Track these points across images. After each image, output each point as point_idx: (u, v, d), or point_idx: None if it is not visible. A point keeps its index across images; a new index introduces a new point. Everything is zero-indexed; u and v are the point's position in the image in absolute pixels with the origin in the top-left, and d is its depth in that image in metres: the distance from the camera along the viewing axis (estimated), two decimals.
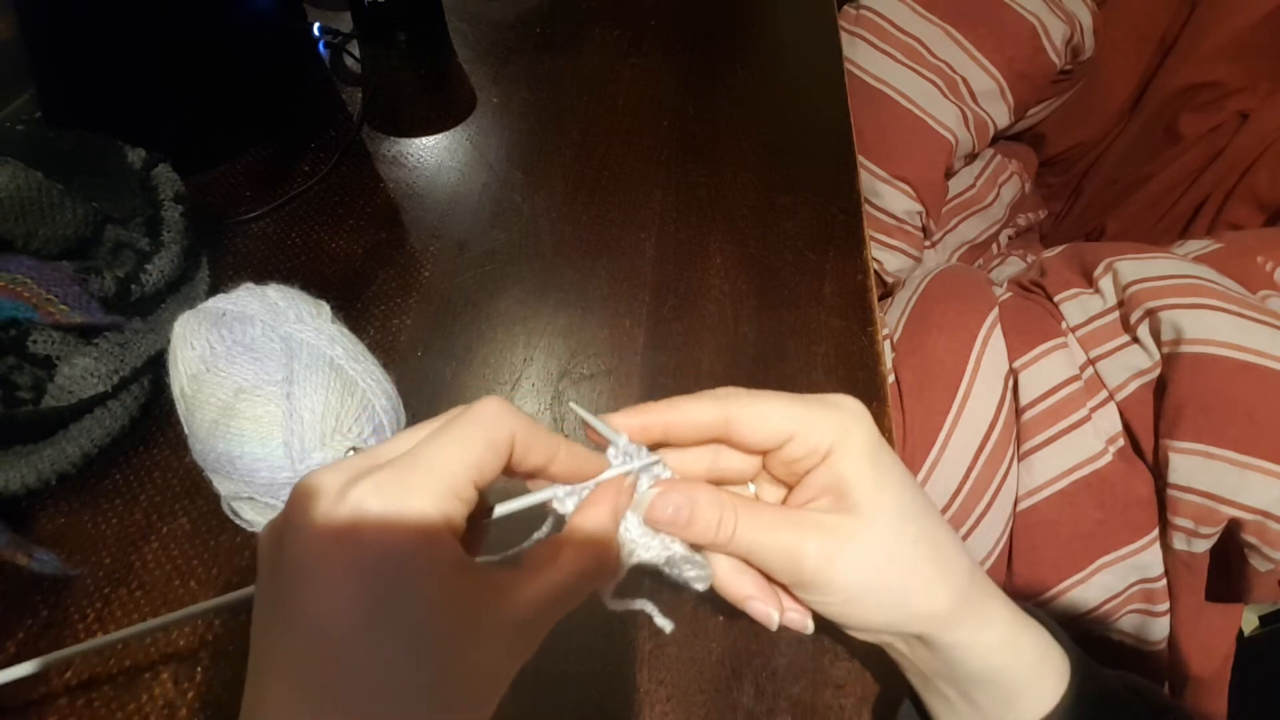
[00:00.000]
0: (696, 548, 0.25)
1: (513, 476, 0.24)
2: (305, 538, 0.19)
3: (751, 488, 0.28)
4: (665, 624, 0.25)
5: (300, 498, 0.19)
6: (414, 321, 0.46)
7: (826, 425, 0.25)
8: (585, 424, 0.25)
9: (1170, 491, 0.54)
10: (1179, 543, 0.55)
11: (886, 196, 0.84)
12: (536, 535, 0.25)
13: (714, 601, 0.27)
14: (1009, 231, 1.01)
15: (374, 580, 0.18)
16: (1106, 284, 0.63)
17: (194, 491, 0.37)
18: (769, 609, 0.25)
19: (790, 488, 0.27)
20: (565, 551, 0.22)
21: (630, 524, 0.24)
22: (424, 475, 0.19)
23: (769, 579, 0.26)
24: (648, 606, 0.26)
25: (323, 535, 0.18)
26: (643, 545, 0.24)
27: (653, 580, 0.26)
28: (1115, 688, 0.27)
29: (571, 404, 0.26)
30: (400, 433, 0.22)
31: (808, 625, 0.26)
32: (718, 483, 0.27)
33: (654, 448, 0.25)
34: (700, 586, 0.26)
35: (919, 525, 0.24)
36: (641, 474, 0.25)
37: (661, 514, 0.24)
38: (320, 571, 0.18)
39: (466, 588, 0.19)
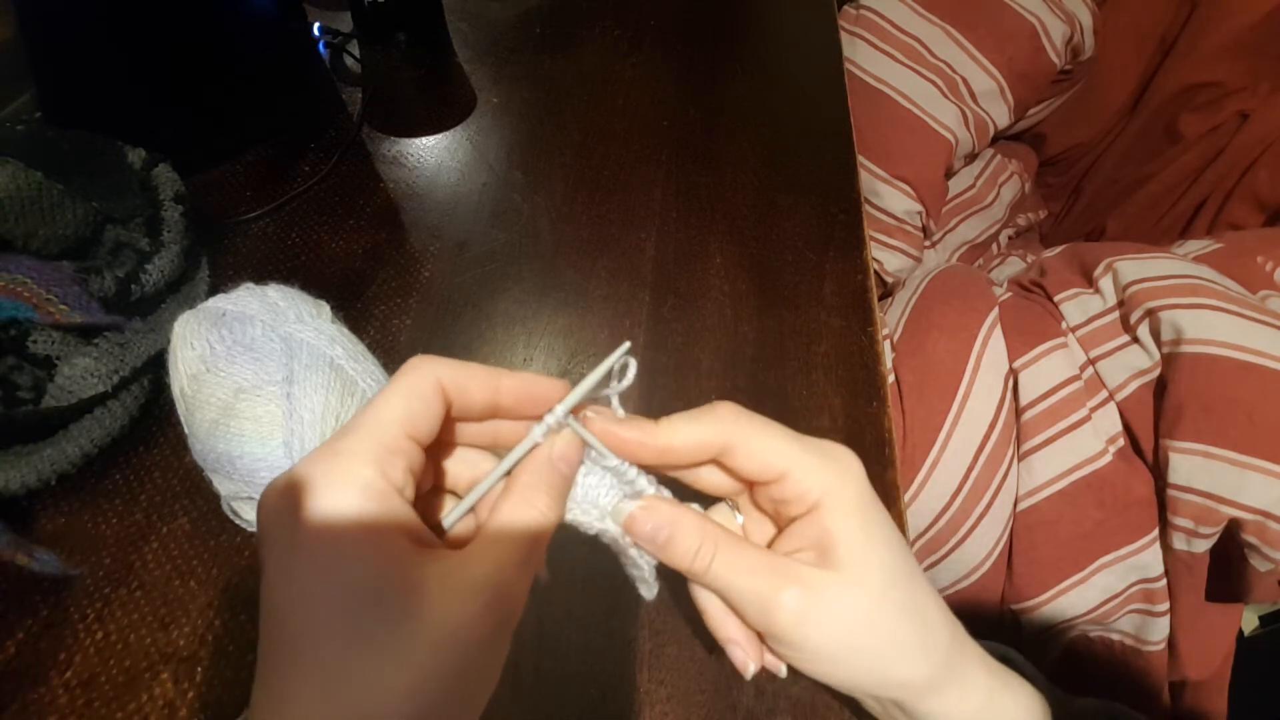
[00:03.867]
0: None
1: (472, 420, 0.23)
2: (259, 524, 0.20)
3: (739, 518, 0.28)
4: (648, 590, 0.25)
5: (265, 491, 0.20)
6: (414, 321, 0.46)
7: (819, 475, 0.24)
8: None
9: (1170, 491, 0.54)
10: (1179, 543, 0.55)
11: (886, 196, 0.84)
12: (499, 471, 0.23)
13: None
14: (1009, 231, 1.01)
15: (313, 551, 0.18)
16: (1106, 284, 0.63)
17: (194, 491, 0.37)
18: (747, 659, 0.25)
19: (778, 527, 0.26)
20: (504, 511, 0.21)
21: (579, 484, 0.24)
22: (353, 439, 0.20)
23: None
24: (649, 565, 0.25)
25: (267, 518, 0.19)
26: (583, 509, 0.24)
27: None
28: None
29: (570, 422, 0.23)
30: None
31: (781, 670, 0.25)
32: (696, 491, 0.26)
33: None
34: (645, 593, 0.25)
35: (904, 592, 0.24)
36: (622, 480, 0.24)
37: (641, 529, 0.23)
38: (268, 552, 0.19)
39: (404, 544, 0.19)
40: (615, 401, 0.24)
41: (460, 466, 0.24)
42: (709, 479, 0.26)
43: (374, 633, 0.18)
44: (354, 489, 0.19)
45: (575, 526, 0.24)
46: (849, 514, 0.24)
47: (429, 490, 0.24)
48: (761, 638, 0.25)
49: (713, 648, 0.34)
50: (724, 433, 0.24)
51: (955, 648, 0.25)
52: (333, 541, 0.18)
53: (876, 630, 0.23)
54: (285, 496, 0.19)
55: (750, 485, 0.26)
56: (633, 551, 0.25)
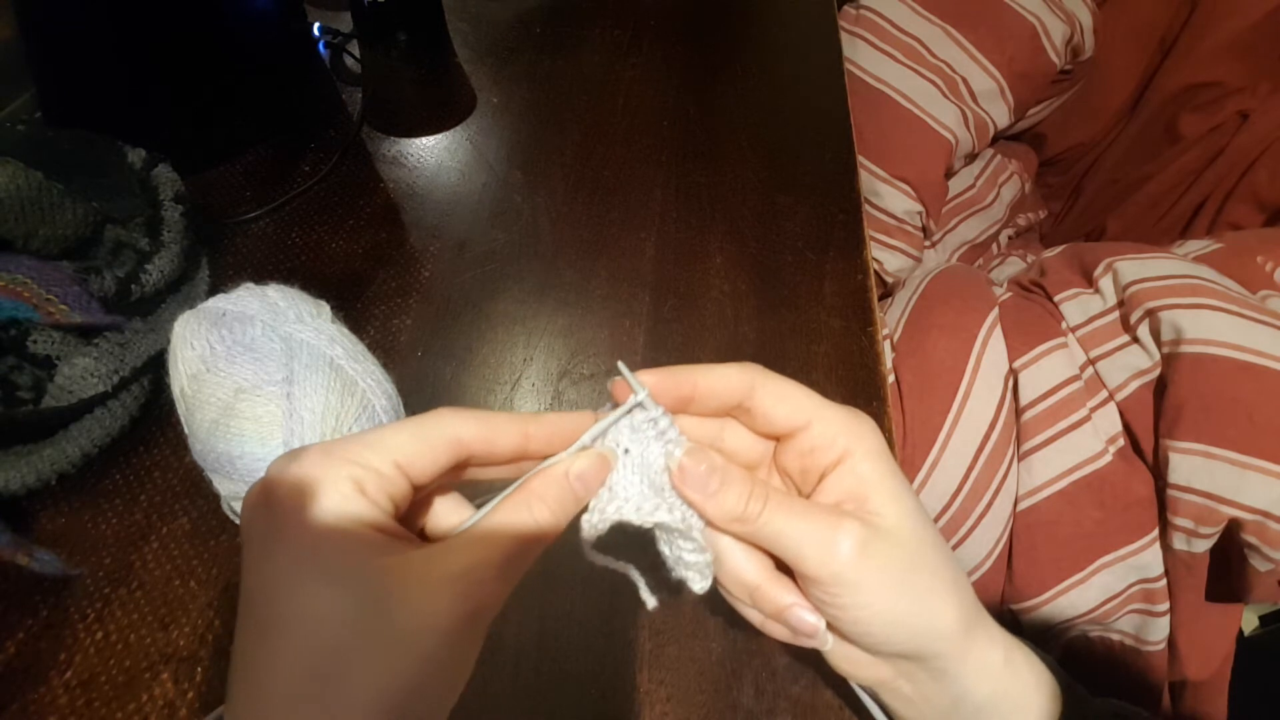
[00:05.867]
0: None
1: (500, 464, 0.23)
2: (242, 517, 0.20)
3: None
4: (650, 599, 0.24)
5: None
6: (414, 321, 0.46)
7: (843, 423, 0.24)
8: (614, 382, 0.24)
9: (1170, 491, 0.54)
10: (1179, 543, 0.55)
11: (886, 196, 0.84)
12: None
13: (714, 600, 0.26)
14: (1009, 231, 1.01)
15: (286, 541, 0.19)
16: (1106, 284, 0.63)
17: (194, 491, 0.37)
18: (816, 619, 0.24)
19: (804, 495, 0.26)
20: (500, 510, 0.22)
21: (629, 479, 0.23)
22: (345, 445, 0.20)
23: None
24: (632, 572, 0.25)
25: (249, 511, 0.20)
26: (637, 503, 0.23)
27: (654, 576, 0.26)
28: (1102, 713, 0.26)
29: (619, 364, 0.24)
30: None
31: (824, 637, 0.24)
32: None
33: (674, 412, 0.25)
34: (698, 581, 0.24)
35: (934, 532, 0.24)
36: (656, 438, 0.24)
37: (694, 471, 0.23)
38: (247, 539, 0.20)
39: (377, 536, 0.19)
40: (656, 446, 0.24)
41: (451, 517, 0.24)
42: (734, 443, 0.27)
43: (342, 621, 0.18)
44: (331, 486, 0.19)
45: (626, 524, 0.24)
46: (880, 458, 0.24)
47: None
48: (804, 594, 0.24)
49: (713, 650, 0.34)
50: (749, 378, 0.25)
51: (975, 598, 0.25)
52: (307, 532, 0.19)
53: (922, 570, 0.23)
54: (266, 491, 0.19)
55: (777, 439, 0.26)
56: (696, 534, 0.24)
